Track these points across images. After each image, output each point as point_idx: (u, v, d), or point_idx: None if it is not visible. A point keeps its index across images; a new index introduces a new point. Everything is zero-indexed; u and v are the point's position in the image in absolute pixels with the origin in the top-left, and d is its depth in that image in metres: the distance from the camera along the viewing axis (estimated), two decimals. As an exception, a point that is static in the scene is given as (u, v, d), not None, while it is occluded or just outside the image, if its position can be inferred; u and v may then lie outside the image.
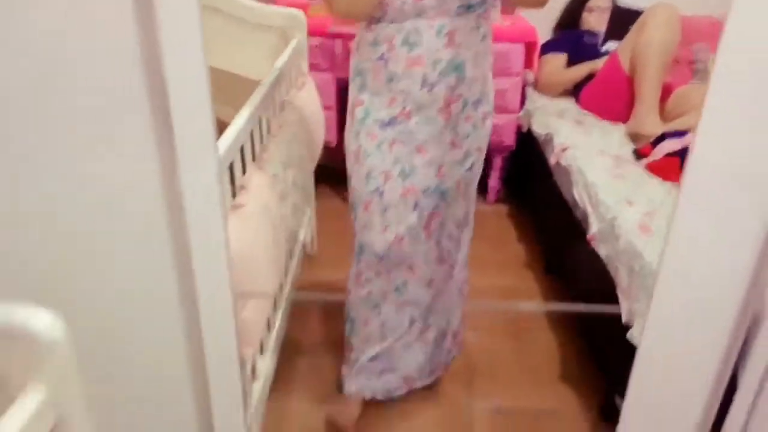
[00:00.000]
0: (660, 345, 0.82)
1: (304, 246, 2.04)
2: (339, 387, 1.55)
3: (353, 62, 1.28)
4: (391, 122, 1.25)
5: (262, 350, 1.44)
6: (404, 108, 1.23)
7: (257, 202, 1.17)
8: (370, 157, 1.27)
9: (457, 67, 1.19)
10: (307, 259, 2.13)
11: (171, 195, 0.84)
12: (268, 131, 1.44)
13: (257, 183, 1.22)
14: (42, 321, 0.54)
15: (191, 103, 0.79)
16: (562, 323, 1.86)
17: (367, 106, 1.26)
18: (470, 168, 1.35)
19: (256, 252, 1.13)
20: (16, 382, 0.56)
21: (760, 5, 0.67)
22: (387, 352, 1.47)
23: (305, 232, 2.05)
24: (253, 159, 1.29)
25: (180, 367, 0.98)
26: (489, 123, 1.33)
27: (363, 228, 1.34)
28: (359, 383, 1.50)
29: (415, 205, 1.31)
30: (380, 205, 1.30)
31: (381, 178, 1.28)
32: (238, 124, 1.16)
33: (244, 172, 1.22)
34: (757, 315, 0.79)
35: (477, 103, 1.27)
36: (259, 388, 1.34)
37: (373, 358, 1.47)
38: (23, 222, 0.89)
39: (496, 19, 2.37)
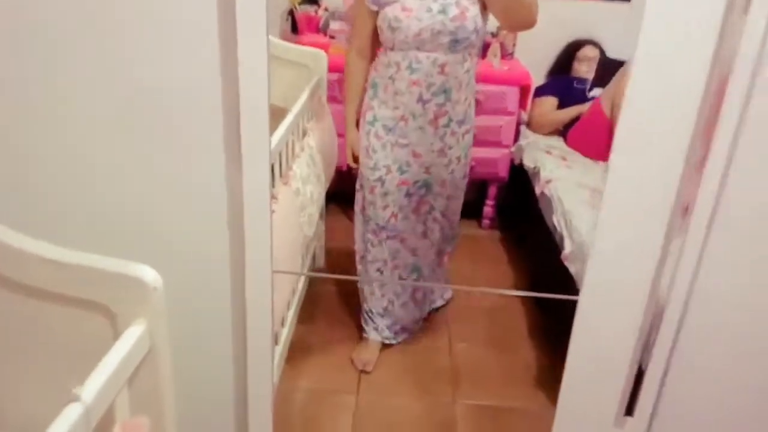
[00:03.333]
0: (591, 322, 1.06)
1: (313, 258, 2.27)
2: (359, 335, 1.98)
3: (371, 77, 1.70)
4: (393, 128, 1.66)
5: (283, 323, 1.70)
6: (403, 115, 1.63)
7: (283, 210, 1.42)
8: (376, 153, 1.70)
9: (445, 91, 1.61)
10: (315, 271, 2.37)
11: (233, 193, 1.09)
12: (293, 153, 1.69)
13: (283, 196, 1.47)
14: (149, 274, 0.78)
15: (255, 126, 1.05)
16: (540, 338, 2.09)
17: (375, 112, 1.68)
18: (452, 172, 1.76)
19: (279, 246, 1.37)
20: (123, 317, 0.80)
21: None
22: (389, 309, 1.92)
23: (315, 245, 2.29)
24: (281, 175, 1.54)
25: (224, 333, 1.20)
26: (469, 137, 1.77)
27: (369, 204, 1.77)
28: (373, 331, 1.92)
29: (407, 192, 1.74)
30: (382, 190, 1.72)
31: (384, 171, 1.71)
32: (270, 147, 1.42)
33: (273, 185, 1.47)
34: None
35: (461, 122, 1.69)
36: (278, 351, 1.62)
37: (381, 314, 1.91)
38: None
39: (496, 64, 2.66)
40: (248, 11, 0.94)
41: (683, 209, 0.94)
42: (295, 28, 2.77)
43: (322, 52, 2.14)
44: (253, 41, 0.97)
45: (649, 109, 0.94)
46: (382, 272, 1.87)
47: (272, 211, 1.36)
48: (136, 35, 0.98)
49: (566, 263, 1.76)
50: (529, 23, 1.53)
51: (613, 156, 0.97)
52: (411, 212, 1.80)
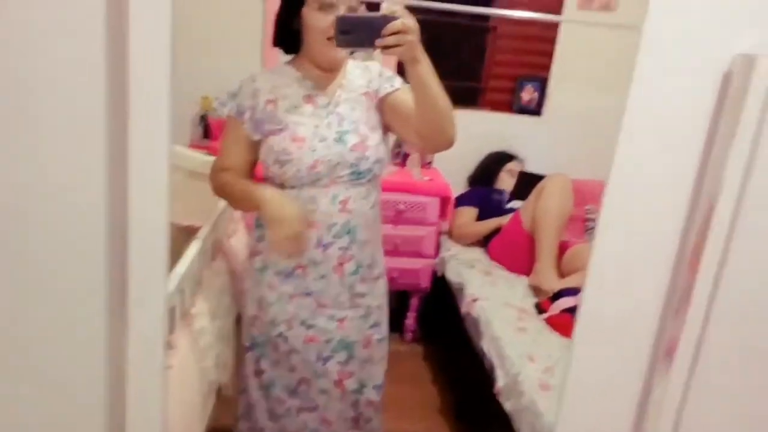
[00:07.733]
0: None
1: (220, 388, 2.01)
2: None
3: (256, 216, 1.39)
4: (288, 275, 1.35)
5: None
6: (300, 263, 1.33)
7: (181, 361, 1.21)
8: (272, 306, 1.36)
9: (349, 231, 1.33)
10: (223, 401, 2.10)
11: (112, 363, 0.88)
12: (199, 283, 1.50)
13: (183, 341, 1.27)
14: None
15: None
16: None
17: (264, 257, 1.37)
18: (375, 325, 1.43)
19: (171, 412, 1.15)
20: None
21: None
22: None
23: (224, 375, 2.04)
24: (181, 315, 1.34)
25: None
26: (382, 282, 1.45)
27: (274, 364, 1.40)
28: None
29: (319, 355, 1.38)
30: (286, 347, 1.38)
31: (284, 326, 1.37)
32: (170, 286, 1.22)
33: (171, 329, 1.26)
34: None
35: (370, 266, 1.39)
36: None
37: None
38: None
39: (416, 174, 2.62)
40: (145, 114, 0.77)
41: (666, 351, 0.85)
42: (207, 133, 2.65)
43: (235, 165, 2.00)
44: (150, 151, 0.79)
45: (624, 245, 0.86)
46: None
47: (168, 367, 1.17)
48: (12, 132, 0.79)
49: (500, 399, 1.64)
50: (447, 144, 1.29)
51: (586, 292, 0.87)
52: (333, 385, 1.40)
